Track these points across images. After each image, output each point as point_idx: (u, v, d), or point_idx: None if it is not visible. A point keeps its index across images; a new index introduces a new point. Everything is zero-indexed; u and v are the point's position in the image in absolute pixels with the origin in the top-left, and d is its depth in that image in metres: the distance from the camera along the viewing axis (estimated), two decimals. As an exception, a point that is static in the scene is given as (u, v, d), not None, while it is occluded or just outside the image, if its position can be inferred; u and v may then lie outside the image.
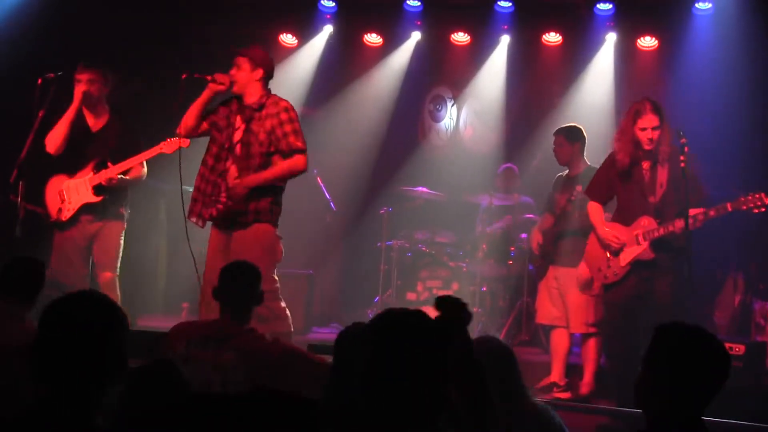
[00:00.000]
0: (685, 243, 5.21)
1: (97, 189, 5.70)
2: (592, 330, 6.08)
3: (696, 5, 7.86)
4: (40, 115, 5.37)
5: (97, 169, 5.67)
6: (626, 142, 5.48)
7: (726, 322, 7.37)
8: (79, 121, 5.71)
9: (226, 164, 5.33)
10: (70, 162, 5.73)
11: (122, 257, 6.05)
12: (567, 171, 6.44)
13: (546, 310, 6.38)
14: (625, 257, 5.48)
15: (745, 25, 7.42)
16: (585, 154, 6.37)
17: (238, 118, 5.38)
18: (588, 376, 6.07)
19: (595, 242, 5.70)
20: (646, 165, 5.52)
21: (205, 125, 5.44)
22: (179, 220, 5.38)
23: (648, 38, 8.40)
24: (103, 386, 2.12)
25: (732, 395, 4.54)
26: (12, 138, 5.72)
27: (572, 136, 6.34)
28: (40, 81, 5.44)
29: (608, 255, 5.57)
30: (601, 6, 8.14)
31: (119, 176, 5.74)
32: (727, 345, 5.75)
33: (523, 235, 7.81)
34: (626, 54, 8.52)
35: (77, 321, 2.10)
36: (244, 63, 5.34)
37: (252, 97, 5.36)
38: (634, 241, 5.44)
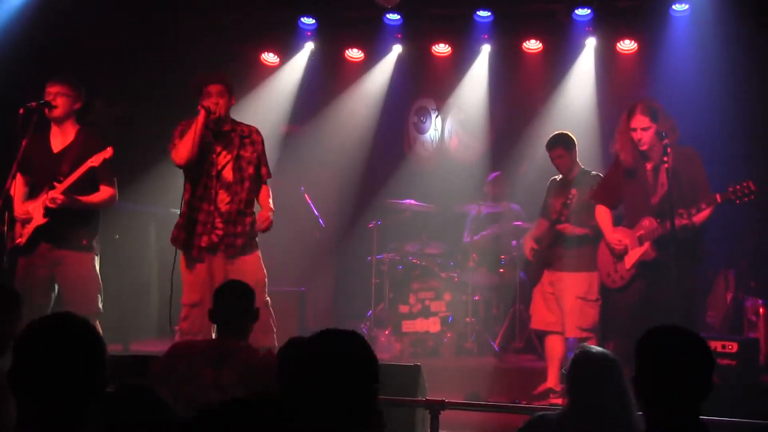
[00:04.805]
0: (693, 240, 5.22)
1: (46, 210, 5.39)
2: (586, 335, 6.10)
3: (673, 7, 7.91)
4: (24, 144, 5.29)
5: (49, 190, 5.40)
6: (625, 142, 5.50)
7: (718, 320, 7.39)
8: (42, 143, 5.49)
9: (216, 190, 5.31)
10: (34, 186, 5.51)
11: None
12: (561, 175, 6.42)
13: (541, 316, 6.37)
14: (629, 259, 5.50)
15: (721, 25, 7.48)
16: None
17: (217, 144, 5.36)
18: (584, 380, 6.08)
19: (605, 247, 5.74)
20: (649, 166, 5.52)
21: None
22: (169, 243, 5.36)
23: (627, 41, 8.46)
24: (86, 404, 2.16)
25: (727, 392, 4.57)
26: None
27: (569, 145, 6.31)
28: (22, 111, 5.36)
29: (614, 259, 5.60)
30: (579, 11, 8.17)
31: (78, 199, 5.42)
32: (720, 343, 5.82)
33: (514, 242, 7.82)
34: (606, 58, 8.57)
35: (53, 342, 2.15)
36: (225, 91, 5.30)
37: (226, 123, 5.36)
38: (636, 243, 5.45)
